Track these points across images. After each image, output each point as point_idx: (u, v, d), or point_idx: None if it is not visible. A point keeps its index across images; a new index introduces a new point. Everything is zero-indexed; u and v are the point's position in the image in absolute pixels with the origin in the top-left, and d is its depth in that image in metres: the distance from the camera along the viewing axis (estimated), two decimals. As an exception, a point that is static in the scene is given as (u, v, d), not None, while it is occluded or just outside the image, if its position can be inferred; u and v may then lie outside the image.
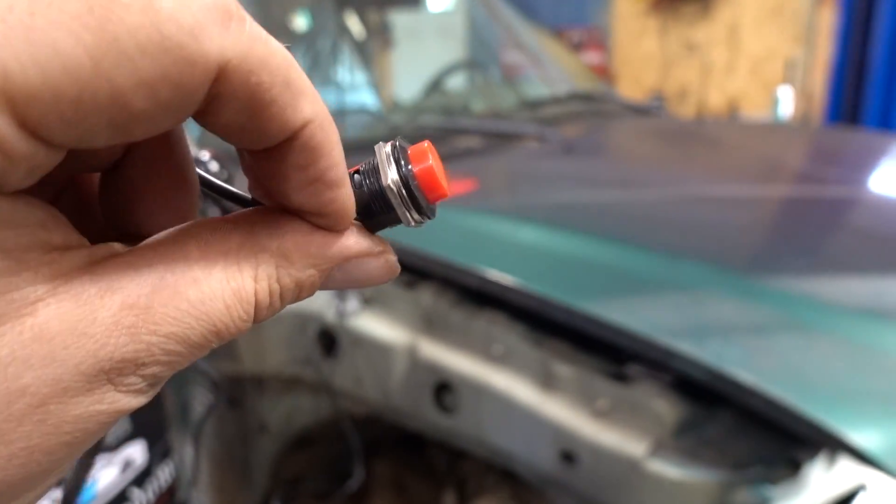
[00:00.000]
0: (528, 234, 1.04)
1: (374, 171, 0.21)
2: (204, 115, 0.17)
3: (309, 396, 1.15)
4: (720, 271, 0.92)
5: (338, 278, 0.21)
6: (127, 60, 0.14)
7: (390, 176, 0.21)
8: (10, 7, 0.14)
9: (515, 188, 1.34)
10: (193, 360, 0.19)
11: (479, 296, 0.99)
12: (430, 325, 1.01)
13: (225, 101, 0.16)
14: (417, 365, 1.00)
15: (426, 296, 1.01)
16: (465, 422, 0.97)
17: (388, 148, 0.22)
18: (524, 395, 0.91)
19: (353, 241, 0.21)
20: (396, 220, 0.22)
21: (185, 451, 1.12)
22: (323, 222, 0.20)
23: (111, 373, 0.17)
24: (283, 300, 0.20)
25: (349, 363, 1.05)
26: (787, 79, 3.45)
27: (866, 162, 1.55)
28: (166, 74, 0.15)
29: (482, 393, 0.94)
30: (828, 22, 3.32)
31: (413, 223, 0.22)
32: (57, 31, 0.14)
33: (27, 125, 0.14)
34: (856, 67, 3.10)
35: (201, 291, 0.18)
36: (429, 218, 0.22)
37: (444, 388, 0.99)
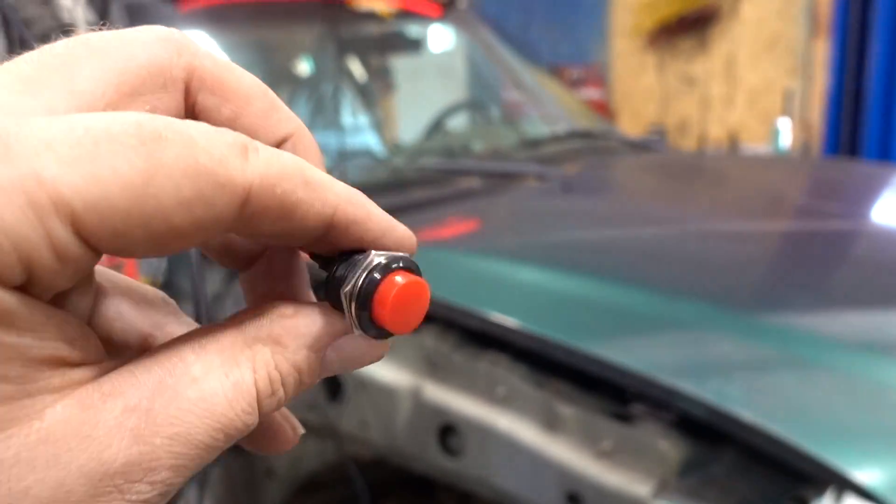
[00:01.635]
0: (529, 275, 1.06)
1: (353, 269, 0.21)
2: (251, 233, 0.20)
3: (315, 441, 1.15)
4: (720, 309, 0.93)
5: (333, 358, 0.22)
6: (170, 182, 0.17)
7: (350, 285, 0.21)
8: (79, 140, 0.17)
9: (516, 228, 1.36)
10: (202, 463, 0.19)
11: (482, 337, 1.00)
12: (434, 368, 1.01)
13: (261, 215, 0.19)
14: (422, 408, 1.00)
15: (429, 338, 1.02)
16: (470, 464, 0.97)
17: (374, 260, 0.21)
18: (528, 437, 0.91)
19: (340, 319, 0.22)
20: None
21: (190, 498, 1.12)
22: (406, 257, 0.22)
23: (116, 477, 0.17)
24: (286, 387, 0.20)
25: (354, 407, 1.06)
26: (785, 110, 3.48)
27: (866, 194, 1.56)
28: (201, 195, 0.17)
29: (487, 435, 0.94)
30: (822, 54, 3.37)
31: (358, 335, 0.21)
32: (115, 158, 0.17)
33: (82, 232, 0.16)
34: (852, 98, 3.13)
35: (201, 389, 0.18)
36: (379, 338, 0.22)
37: (448, 431, 0.99)
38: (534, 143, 1.96)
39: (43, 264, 0.16)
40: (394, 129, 2.65)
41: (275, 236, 0.20)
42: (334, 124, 2.16)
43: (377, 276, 0.21)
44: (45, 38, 0.63)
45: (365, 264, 0.21)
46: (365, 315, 0.21)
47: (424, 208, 1.44)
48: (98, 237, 0.17)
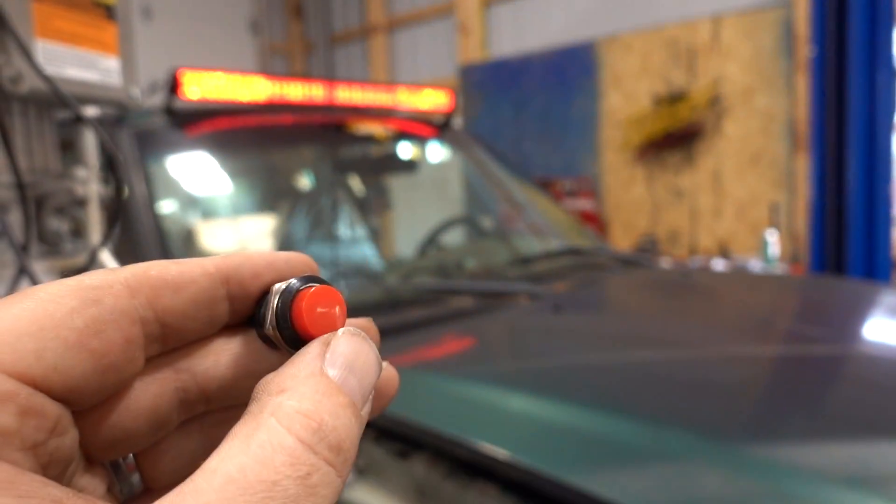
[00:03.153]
0: (519, 403, 1.07)
1: (265, 306, 0.25)
2: (165, 319, 0.23)
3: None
4: (707, 440, 0.94)
5: (339, 374, 0.21)
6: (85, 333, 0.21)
7: (268, 318, 0.24)
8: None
9: (508, 351, 1.38)
10: None
11: (472, 466, 0.99)
12: (423, 498, 1.00)
13: (157, 294, 0.22)
14: (411, 541, 0.99)
15: (419, 467, 1.02)
16: None
17: (275, 289, 0.25)
18: (518, 574, 0.89)
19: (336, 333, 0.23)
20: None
21: None
22: None
23: None
24: (335, 418, 0.20)
25: (343, 539, 1.04)
26: (772, 222, 3.58)
27: (851, 317, 1.59)
28: (101, 329, 0.21)
29: (476, 571, 0.92)
30: (804, 168, 3.50)
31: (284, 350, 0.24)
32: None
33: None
34: (834, 211, 3.23)
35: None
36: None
37: (438, 566, 0.97)
38: (526, 260, 2.02)
39: None
40: (391, 241, 2.72)
41: (191, 314, 0.23)
42: (332, 238, 2.22)
43: (287, 298, 0.24)
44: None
45: (271, 295, 0.25)
46: (288, 334, 0.23)
47: (419, 328, 1.46)
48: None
